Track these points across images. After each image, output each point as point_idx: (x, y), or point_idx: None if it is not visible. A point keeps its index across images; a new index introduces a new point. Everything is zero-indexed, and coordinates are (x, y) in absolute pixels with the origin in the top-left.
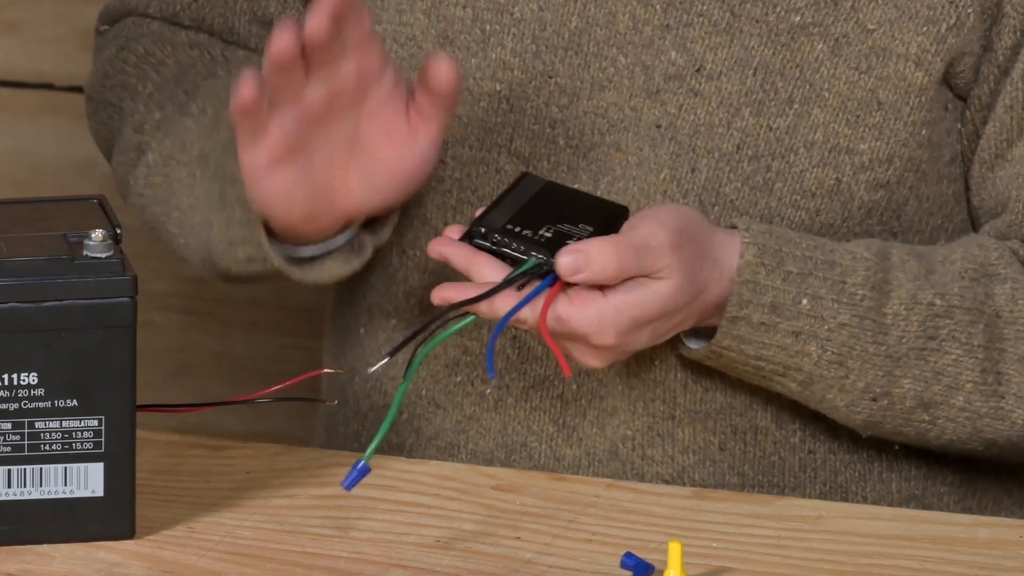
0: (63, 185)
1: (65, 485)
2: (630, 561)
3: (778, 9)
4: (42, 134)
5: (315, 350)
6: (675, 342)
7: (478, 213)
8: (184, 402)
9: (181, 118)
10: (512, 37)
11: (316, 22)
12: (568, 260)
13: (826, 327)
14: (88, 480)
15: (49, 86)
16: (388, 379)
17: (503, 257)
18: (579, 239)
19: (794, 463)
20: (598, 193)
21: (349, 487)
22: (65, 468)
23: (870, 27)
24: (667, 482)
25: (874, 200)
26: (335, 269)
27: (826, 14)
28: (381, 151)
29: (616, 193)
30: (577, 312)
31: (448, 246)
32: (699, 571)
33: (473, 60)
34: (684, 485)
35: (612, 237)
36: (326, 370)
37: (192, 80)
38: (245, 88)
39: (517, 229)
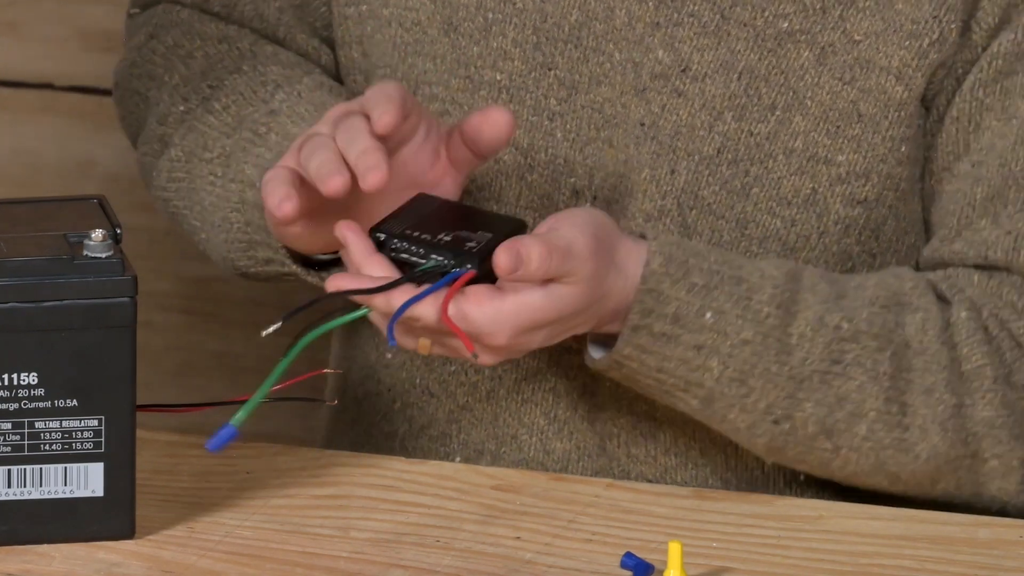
0: (63, 185)
1: (65, 485)
2: (630, 561)
3: (767, 14)
4: (42, 134)
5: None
6: (580, 351)
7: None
8: (184, 402)
9: (204, 115)
10: (514, 27)
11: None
12: (506, 258)
13: (729, 343)
14: (88, 480)
15: (49, 86)
16: (382, 367)
17: (402, 264)
18: (478, 243)
19: (778, 478)
20: (592, 188)
21: (214, 449)
22: (65, 468)
23: (856, 38)
24: (651, 482)
25: (851, 217)
26: None
27: (814, 22)
28: (401, 196)
29: (607, 190)
30: (474, 309)
31: (352, 231)
32: (699, 571)
33: (475, 48)
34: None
35: (542, 238)
36: (326, 370)
37: (218, 74)
38: (286, 206)
39: (416, 234)
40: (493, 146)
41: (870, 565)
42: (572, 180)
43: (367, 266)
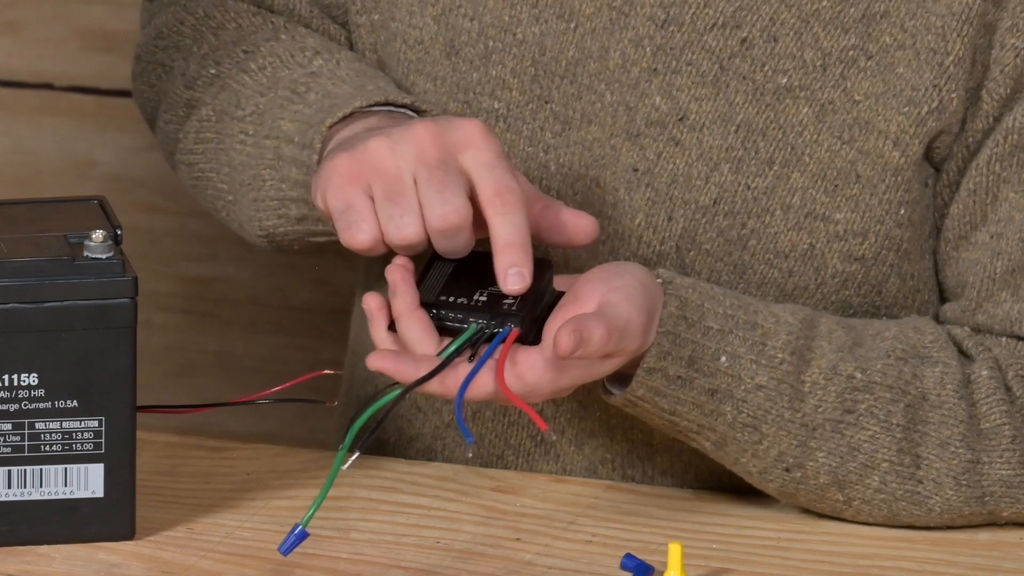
0: (63, 185)
1: (65, 486)
2: (630, 562)
3: (766, 68)
4: (42, 134)
5: (315, 350)
6: (596, 387)
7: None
8: (184, 403)
9: (239, 74)
10: (513, 57)
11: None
12: (568, 340)
13: (743, 387)
14: (88, 481)
15: (49, 86)
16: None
17: (443, 331)
18: (515, 298)
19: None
20: None
21: (286, 552)
22: (65, 469)
23: (856, 98)
24: None
25: (849, 272)
26: None
27: (814, 79)
28: None
29: None
30: (515, 380)
31: (403, 280)
32: (699, 572)
33: (475, 74)
34: None
35: (603, 318)
36: (326, 371)
37: (252, 41)
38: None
39: (451, 299)
40: (563, 243)
41: (870, 567)
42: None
43: (406, 320)
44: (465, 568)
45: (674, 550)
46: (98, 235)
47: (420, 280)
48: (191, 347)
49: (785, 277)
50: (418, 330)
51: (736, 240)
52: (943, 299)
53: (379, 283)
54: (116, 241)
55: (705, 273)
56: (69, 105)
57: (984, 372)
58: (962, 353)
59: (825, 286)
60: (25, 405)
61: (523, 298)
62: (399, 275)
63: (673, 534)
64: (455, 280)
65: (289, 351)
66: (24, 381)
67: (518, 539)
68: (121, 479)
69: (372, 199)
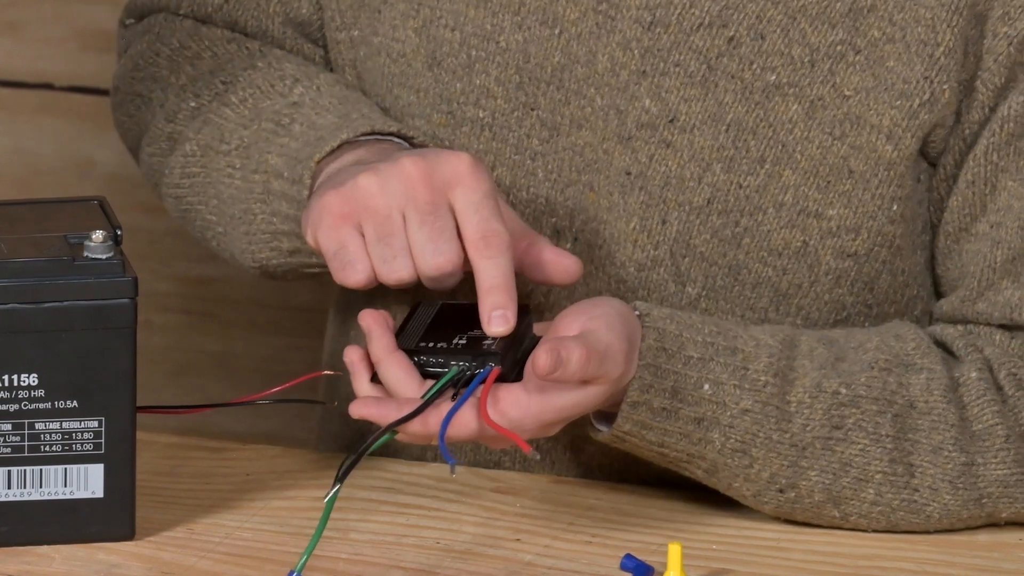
0: (63, 185)
1: (65, 486)
2: (630, 563)
3: (754, 67)
4: (42, 134)
5: (315, 350)
6: (585, 424)
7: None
8: (184, 403)
9: (220, 107)
10: (496, 66)
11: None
12: (546, 359)
13: (728, 413)
14: (88, 481)
15: (49, 86)
16: None
17: (424, 376)
18: (494, 340)
19: None
20: (573, 230)
21: None
22: (65, 469)
23: (846, 93)
24: None
25: (842, 268)
26: None
27: (802, 75)
28: None
29: (589, 234)
30: (509, 410)
31: (376, 323)
32: (699, 573)
33: (458, 84)
34: None
35: (582, 341)
36: (326, 371)
37: (230, 71)
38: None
39: (431, 344)
40: (545, 281)
41: (870, 567)
42: (553, 220)
43: (386, 363)
44: (465, 568)
45: (674, 550)
46: (98, 235)
47: (401, 327)
48: (191, 347)
49: (779, 275)
50: (399, 372)
51: (730, 239)
52: (940, 293)
53: (355, 301)
54: (116, 241)
55: (700, 279)
56: (69, 105)
57: (973, 374)
58: (949, 354)
59: (819, 284)
60: (25, 405)
61: (503, 340)
62: (371, 319)
63: (673, 534)
64: (434, 327)
65: (289, 351)
66: (24, 381)
67: (518, 539)
68: (121, 479)
69: (363, 239)
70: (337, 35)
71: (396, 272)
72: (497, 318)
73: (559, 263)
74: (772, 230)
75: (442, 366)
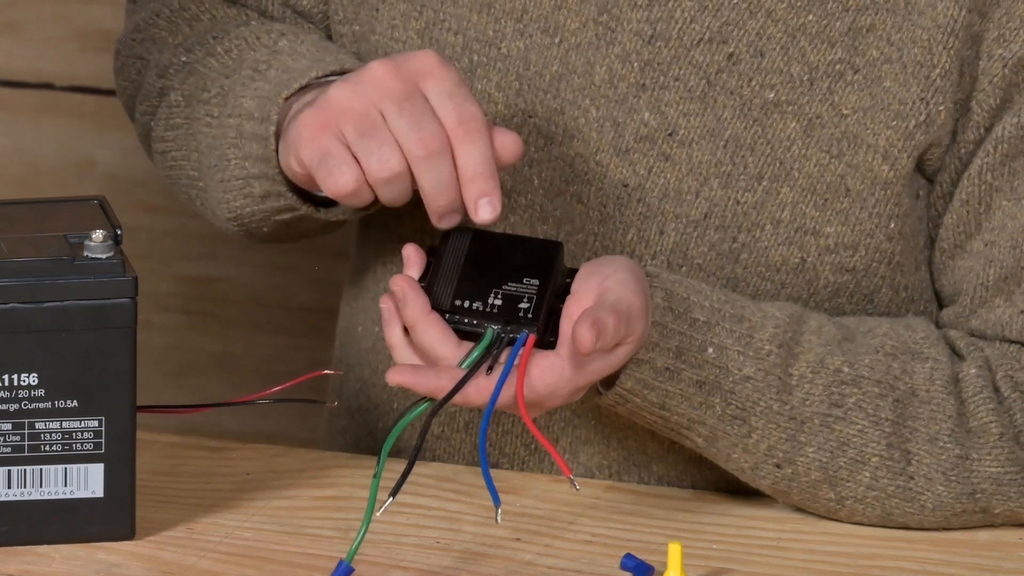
0: (63, 185)
1: (65, 486)
2: (630, 562)
3: (753, 83)
4: (42, 134)
5: (315, 350)
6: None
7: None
8: (184, 403)
9: (206, 58)
10: (497, 72)
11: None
12: (589, 336)
13: (731, 379)
14: (88, 481)
15: (49, 86)
16: (371, 386)
17: (457, 331)
18: (530, 298)
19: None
20: (560, 237)
21: None
22: (65, 469)
23: (844, 112)
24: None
25: (841, 282)
26: (349, 209)
27: (801, 93)
28: None
29: (576, 245)
30: (538, 383)
31: (410, 289)
32: (699, 572)
33: None
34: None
35: (611, 307)
36: (326, 371)
37: (223, 27)
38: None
39: (466, 304)
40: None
41: (870, 567)
42: (545, 228)
43: (422, 326)
44: (465, 568)
45: (674, 550)
46: (98, 235)
47: (435, 274)
48: (191, 347)
49: (778, 289)
50: (436, 333)
51: (727, 254)
52: (940, 307)
53: (365, 296)
54: (116, 241)
55: None
56: (69, 105)
57: (972, 371)
58: (955, 353)
59: (818, 295)
60: (25, 405)
61: (538, 301)
62: (405, 284)
63: (673, 534)
64: (468, 273)
65: (289, 351)
66: (24, 381)
67: (518, 539)
68: (121, 479)
69: (346, 143)
70: (340, 28)
71: (385, 162)
72: (484, 205)
73: (500, 140)
74: (770, 246)
75: (476, 327)
